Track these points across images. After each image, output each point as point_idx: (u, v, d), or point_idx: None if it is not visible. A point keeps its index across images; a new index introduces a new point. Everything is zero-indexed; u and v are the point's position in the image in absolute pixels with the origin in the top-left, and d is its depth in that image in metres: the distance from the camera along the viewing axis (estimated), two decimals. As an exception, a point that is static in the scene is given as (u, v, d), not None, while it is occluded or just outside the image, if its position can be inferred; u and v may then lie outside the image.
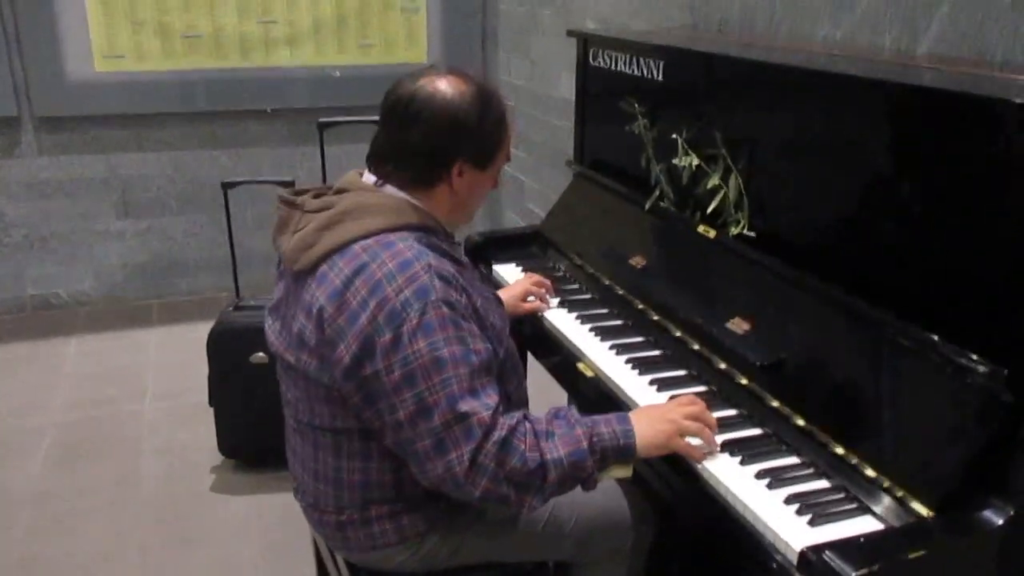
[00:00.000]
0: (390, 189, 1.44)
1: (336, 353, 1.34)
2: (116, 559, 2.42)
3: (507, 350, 1.52)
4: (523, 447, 1.32)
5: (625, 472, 1.44)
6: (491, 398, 1.33)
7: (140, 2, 3.71)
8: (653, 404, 1.54)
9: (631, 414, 1.45)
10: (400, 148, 1.42)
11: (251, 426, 2.73)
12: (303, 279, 1.41)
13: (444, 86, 1.40)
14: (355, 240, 1.37)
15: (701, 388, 1.63)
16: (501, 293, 1.95)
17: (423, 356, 1.29)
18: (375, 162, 1.46)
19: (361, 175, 1.49)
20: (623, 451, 1.39)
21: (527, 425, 1.35)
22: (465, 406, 1.29)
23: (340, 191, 1.46)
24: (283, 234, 1.48)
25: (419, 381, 1.29)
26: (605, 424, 1.40)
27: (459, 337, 1.32)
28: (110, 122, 3.89)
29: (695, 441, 1.43)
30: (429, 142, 1.40)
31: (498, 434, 1.31)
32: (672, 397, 1.59)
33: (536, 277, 2.05)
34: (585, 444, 1.35)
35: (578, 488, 1.40)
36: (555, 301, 2.04)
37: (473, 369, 1.32)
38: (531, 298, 2.02)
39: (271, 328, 1.52)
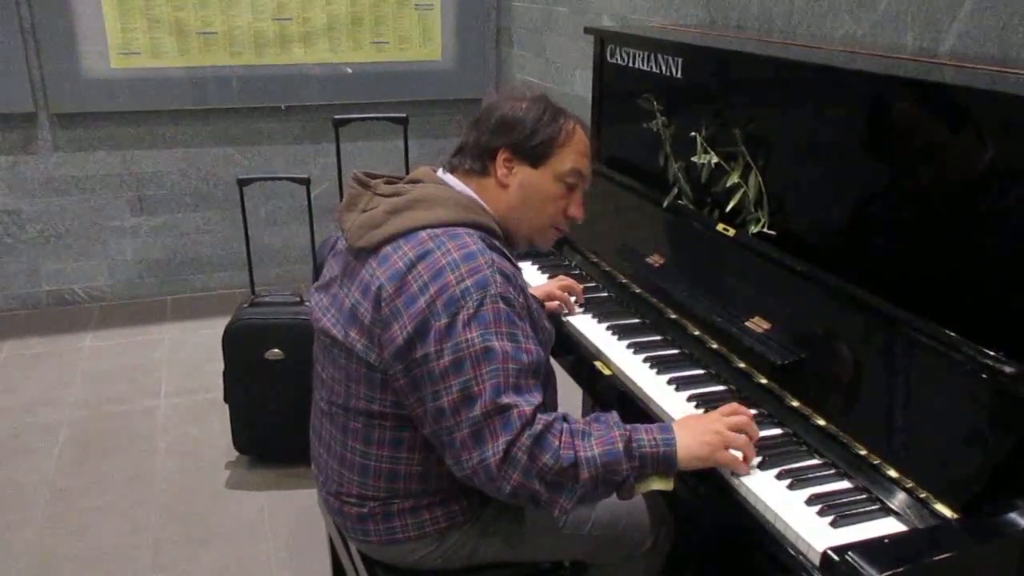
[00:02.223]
0: (451, 179, 1.52)
1: (390, 332, 1.35)
2: (130, 556, 2.43)
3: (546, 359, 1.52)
4: (557, 443, 1.31)
5: (666, 484, 1.38)
6: (534, 397, 1.33)
7: (155, -1, 3.73)
8: (696, 415, 1.49)
9: (674, 424, 1.42)
10: (463, 144, 1.55)
11: (266, 422, 2.74)
12: (363, 257, 1.43)
13: (518, 99, 1.53)
14: (422, 228, 1.40)
15: (720, 387, 1.62)
16: None
17: (475, 345, 1.30)
18: (451, 157, 1.57)
19: (435, 170, 1.54)
20: (662, 459, 1.35)
21: (564, 424, 1.34)
22: (508, 399, 1.30)
23: (413, 181, 1.52)
24: (350, 211, 1.50)
25: (467, 369, 1.30)
26: (646, 431, 1.37)
27: (511, 334, 1.33)
28: (125, 119, 3.90)
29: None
30: (479, 135, 1.52)
31: (534, 428, 1.30)
32: (691, 397, 1.58)
33: (566, 281, 2.01)
34: (620, 445, 1.33)
35: None
36: (580, 309, 1.98)
37: (521, 367, 1.32)
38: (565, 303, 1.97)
39: (318, 303, 1.54)
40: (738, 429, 1.39)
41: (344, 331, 1.43)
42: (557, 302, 1.96)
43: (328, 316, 1.49)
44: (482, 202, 1.49)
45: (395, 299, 1.35)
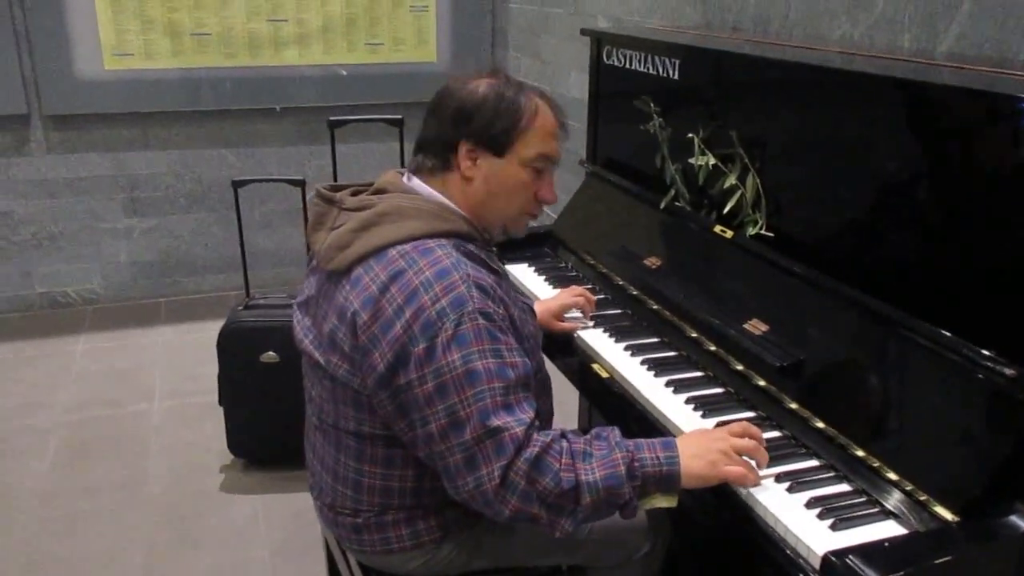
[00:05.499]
0: (416, 182, 1.45)
1: (370, 360, 1.31)
2: (122, 560, 2.41)
3: (537, 363, 1.49)
4: (557, 466, 1.27)
5: (670, 501, 1.35)
6: (526, 413, 1.29)
7: (149, 0, 3.71)
8: (702, 430, 1.43)
9: (678, 439, 1.37)
10: (422, 139, 1.46)
11: (261, 425, 2.72)
12: (337, 279, 1.39)
13: (472, 82, 1.42)
14: (392, 244, 1.34)
15: (718, 389, 1.61)
16: (537, 306, 1.89)
17: (456, 368, 1.26)
18: (413, 155, 1.49)
19: (401, 175, 1.48)
20: (666, 478, 1.31)
21: (564, 444, 1.30)
22: (497, 420, 1.25)
23: (379, 191, 1.45)
24: (319, 231, 1.45)
25: (451, 394, 1.26)
26: (648, 449, 1.32)
27: (495, 350, 1.28)
28: (119, 120, 3.88)
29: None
30: (438, 128, 1.43)
31: (530, 451, 1.26)
32: (690, 399, 1.57)
33: (578, 289, 1.94)
34: (623, 468, 1.28)
35: None
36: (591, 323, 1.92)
37: (508, 383, 1.28)
38: (574, 311, 1.91)
39: (300, 323, 1.50)
40: (745, 452, 1.36)
41: (325, 357, 1.40)
42: (577, 315, 1.90)
43: (310, 338, 1.45)
44: (451, 204, 1.42)
45: (371, 326, 1.30)
